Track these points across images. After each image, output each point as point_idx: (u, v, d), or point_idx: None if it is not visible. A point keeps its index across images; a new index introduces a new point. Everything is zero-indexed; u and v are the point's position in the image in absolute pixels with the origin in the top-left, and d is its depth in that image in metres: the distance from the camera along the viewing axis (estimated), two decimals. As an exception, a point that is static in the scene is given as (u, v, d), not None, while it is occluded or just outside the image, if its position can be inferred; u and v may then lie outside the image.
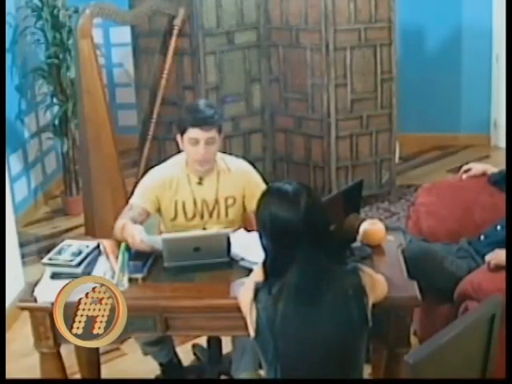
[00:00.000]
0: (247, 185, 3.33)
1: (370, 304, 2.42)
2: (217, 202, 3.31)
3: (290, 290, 2.37)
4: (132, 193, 3.48)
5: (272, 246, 2.44)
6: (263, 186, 3.35)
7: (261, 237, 2.47)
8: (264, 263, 2.48)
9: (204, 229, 3.30)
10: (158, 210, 3.35)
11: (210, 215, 3.32)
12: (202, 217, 3.31)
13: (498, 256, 3.12)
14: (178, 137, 3.26)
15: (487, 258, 3.19)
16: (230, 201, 3.32)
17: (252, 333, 2.43)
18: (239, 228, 3.31)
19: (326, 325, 2.37)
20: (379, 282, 2.55)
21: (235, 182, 3.32)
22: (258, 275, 2.56)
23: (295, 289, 2.37)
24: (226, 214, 3.33)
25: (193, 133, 3.18)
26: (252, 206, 3.31)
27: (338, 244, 2.78)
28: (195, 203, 3.30)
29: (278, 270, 2.41)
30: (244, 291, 2.52)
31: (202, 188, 3.30)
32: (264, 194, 2.52)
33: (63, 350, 2.93)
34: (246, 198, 3.34)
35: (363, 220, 3.11)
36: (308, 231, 2.37)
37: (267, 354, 2.41)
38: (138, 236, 2.99)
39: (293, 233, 2.37)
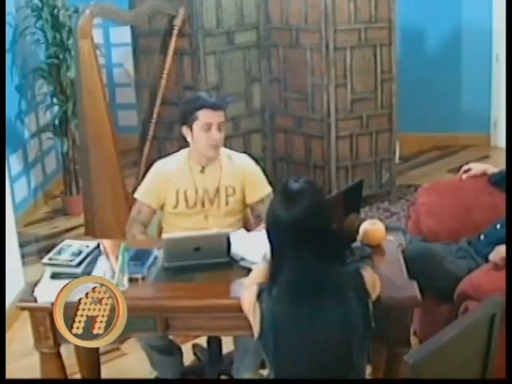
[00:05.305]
0: (247, 175, 3.39)
1: (371, 304, 2.42)
2: (218, 190, 3.36)
3: (287, 291, 2.37)
4: (133, 192, 3.51)
5: (273, 245, 2.44)
6: (263, 179, 3.44)
7: (269, 236, 2.46)
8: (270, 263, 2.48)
9: (205, 216, 3.36)
10: (162, 206, 3.41)
11: (211, 203, 3.37)
12: (203, 205, 3.36)
13: (501, 252, 3.11)
14: (185, 129, 3.31)
15: (491, 257, 3.18)
16: (230, 190, 3.37)
17: (256, 334, 2.42)
18: (239, 226, 3.36)
19: (328, 326, 2.35)
20: (377, 281, 2.55)
21: (236, 172, 3.39)
22: (256, 275, 2.56)
23: (291, 290, 2.37)
24: (227, 203, 3.38)
25: (205, 116, 3.23)
26: (251, 197, 3.40)
27: (338, 244, 2.78)
28: (197, 191, 3.36)
29: (277, 269, 2.41)
30: (246, 292, 2.52)
31: (203, 176, 3.36)
32: (275, 193, 2.53)
33: (63, 350, 2.93)
34: (246, 188, 3.40)
35: (363, 220, 3.11)
36: (308, 231, 2.37)
37: (270, 355, 2.40)
38: None
39: (291, 232, 2.37)
